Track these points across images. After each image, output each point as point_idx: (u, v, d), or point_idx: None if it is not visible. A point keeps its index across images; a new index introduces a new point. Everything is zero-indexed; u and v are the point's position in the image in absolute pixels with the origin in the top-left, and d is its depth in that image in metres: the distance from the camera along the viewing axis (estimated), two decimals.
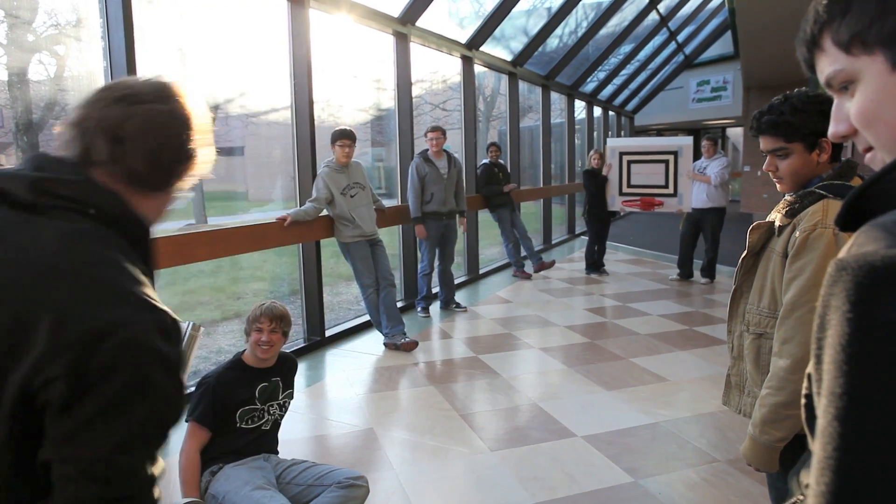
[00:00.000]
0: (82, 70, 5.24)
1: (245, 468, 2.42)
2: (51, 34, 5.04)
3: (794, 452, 1.55)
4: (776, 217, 1.69)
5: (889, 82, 0.56)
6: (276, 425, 2.64)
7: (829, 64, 0.60)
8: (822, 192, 1.58)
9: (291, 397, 2.69)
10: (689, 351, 4.97)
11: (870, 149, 0.61)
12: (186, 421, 2.45)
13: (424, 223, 5.93)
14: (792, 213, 1.62)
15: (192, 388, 2.55)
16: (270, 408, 2.57)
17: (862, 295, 0.41)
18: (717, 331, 5.50)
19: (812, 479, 0.42)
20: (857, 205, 0.52)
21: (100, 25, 3.60)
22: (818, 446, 0.42)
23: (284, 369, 2.65)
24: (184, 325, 2.50)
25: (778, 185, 1.71)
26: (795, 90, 1.64)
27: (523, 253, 8.13)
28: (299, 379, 4.44)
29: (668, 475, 3.02)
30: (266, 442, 2.59)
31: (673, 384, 4.25)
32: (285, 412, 2.66)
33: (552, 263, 8.09)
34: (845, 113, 0.61)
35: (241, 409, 2.48)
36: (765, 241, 1.75)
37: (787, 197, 1.68)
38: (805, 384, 0.57)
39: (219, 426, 2.46)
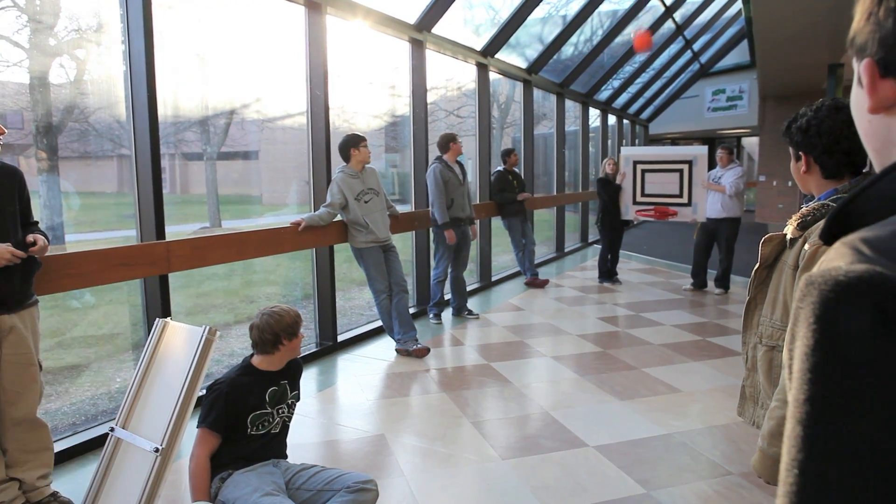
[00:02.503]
0: (102, 74, 5.31)
1: (254, 474, 2.43)
2: (72, 38, 5.11)
3: None
4: (789, 229, 1.69)
5: (858, 93, 0.61)
6: (285, 428, 2.65)
7: None
8: (834, 205, 1.58)
9: (298, 399, 2.71)
10: (702, 361, 4.93)
11: None
12: (198, 427, 2.45)
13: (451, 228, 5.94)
14: (804, 226, 1.63)
15: (203, 394, 2.56)
16: (279, 411, 2.58)
17: (826, 308, 0.43)
18: (731, 341, 5.46)
19: (780, 480, 0.45)
20: (838, 222, 0.55)
21: (120, 30, 3.64)
22: (785, 450, 0.44)
23: (291, 372, 2.67)
24: (200, 329, 2.52)
25: None
26: (822, 106, 1.65)
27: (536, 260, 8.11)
28: (311, 383, 4.47)
29: (681, 487, 3.00)
30: (275, 446, 2.60)
31: (686, 395, 4.22)
32: (293, 414, 2.67)
33: (546, 282, 8.04)
34: None
35: (253, 414, 2.49)
36: (778, 254, 1.74)
37: (802, 209, 1.69)
38: None
39: (229, 432, 2.47)
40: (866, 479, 0.40)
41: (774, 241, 1.73)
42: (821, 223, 1.58)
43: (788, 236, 1.68)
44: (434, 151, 6.32)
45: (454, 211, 5.98)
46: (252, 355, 2.60)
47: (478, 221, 6.92)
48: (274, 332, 2.51)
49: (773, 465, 1.61)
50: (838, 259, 0.46)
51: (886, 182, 0.54)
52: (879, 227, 0.48)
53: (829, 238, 0.55)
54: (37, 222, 2.82)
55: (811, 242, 1.56)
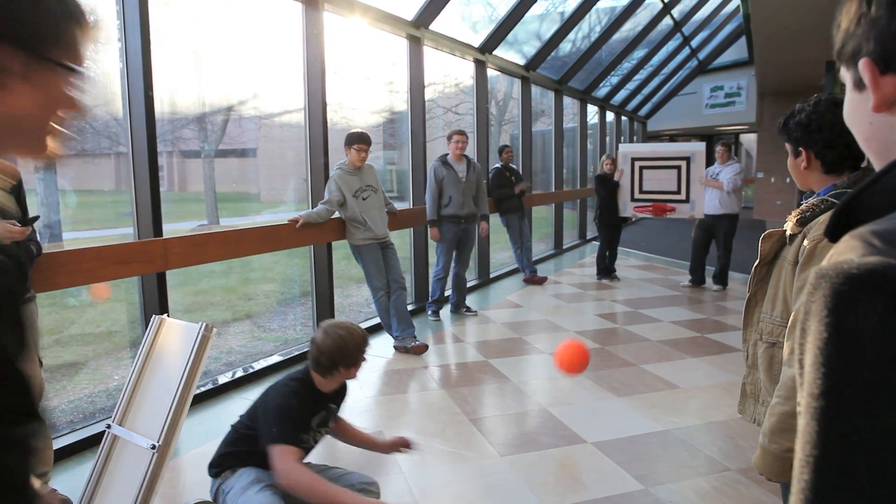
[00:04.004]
0: (98, 71, 5.28)
1: (260, 469, 2.40)
2: None
3: None
4: (788, 225, 1.68)
5: (854, 98, 0.62)
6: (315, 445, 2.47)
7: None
8: (834, 200, 1.58)
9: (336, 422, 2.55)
10: (700, 358, 4.93)
11: None
12: (272, 444, 2.18)
13: (440, 226, 5.94)
14: (803, 222, 1.62)
15: (274, 416, 2.22)
16: (318, 434, 2.42)
17: (839, 301, 0.43)
18: (729, 338, 5.46)
19: (794, 477, 0.44)
20: (844, 217, 0.55)
21: (116, 27, 3.63)
22: (798, 446, 0.44)
23: (341, 396, 2.51)
24: (196, 326, 2.51)
25: None
26: (820, 101, 1.64)
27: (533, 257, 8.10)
28: None
29: (679, 483, 3.00)
30: None
31: (684, 391, 4.22)
32: (327, 433, 2.51)
33: (544, 279, 8.05)
34: None
35: (302, 436, 2.30)
36: (777, 250, 1.74)
37: (801, 205, 1.68)
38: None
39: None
40: (884, 475, 0.39)
41: (774, 237, 1.73)
42: (820, 219, 1.57)
43: (788, 232, 1.67)
44: (432, 148, 6.31)
45: (450, 208, 5.97)
46: (308, 370, 2.36)
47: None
48: (332, 358, 2.27)
49: (774, 462, 1.61)
50: (849, 252, 0.46)
51: (892, 177, 0.54)
52: (888, 220, 0.48)
53: (834, 234, 0.55)
54: (37, 217, 2.81)
55: (811, 238, 1.56)
